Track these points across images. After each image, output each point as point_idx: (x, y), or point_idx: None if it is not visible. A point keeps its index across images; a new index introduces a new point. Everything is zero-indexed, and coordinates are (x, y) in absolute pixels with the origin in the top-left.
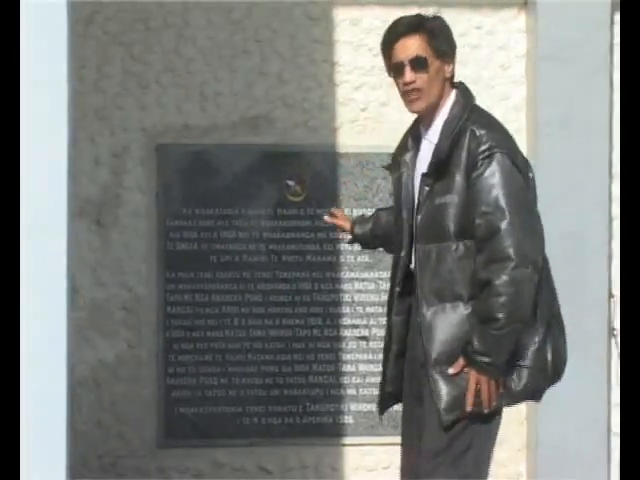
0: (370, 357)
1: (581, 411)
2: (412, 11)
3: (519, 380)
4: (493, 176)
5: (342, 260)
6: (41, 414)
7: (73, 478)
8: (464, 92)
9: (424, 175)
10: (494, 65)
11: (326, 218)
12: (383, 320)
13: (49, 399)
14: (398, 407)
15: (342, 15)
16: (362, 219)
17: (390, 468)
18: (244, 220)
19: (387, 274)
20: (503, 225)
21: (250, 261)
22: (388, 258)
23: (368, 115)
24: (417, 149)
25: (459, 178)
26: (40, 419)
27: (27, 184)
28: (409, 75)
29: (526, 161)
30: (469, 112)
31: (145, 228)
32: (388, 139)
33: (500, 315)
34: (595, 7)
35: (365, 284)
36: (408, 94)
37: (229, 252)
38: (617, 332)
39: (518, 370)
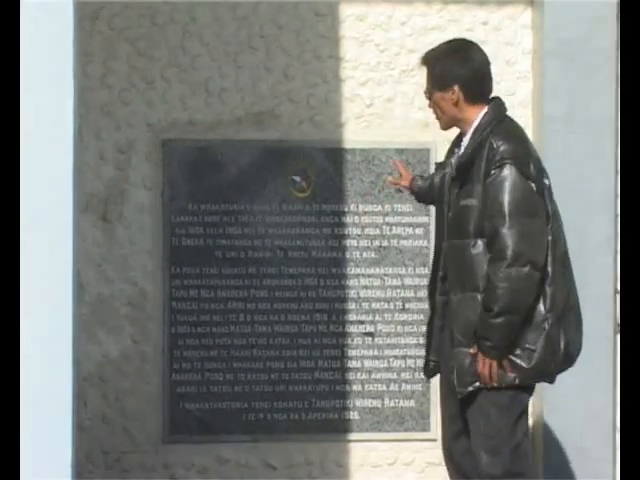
0: (376, 353)
1: (586, 406)
2: (417, 8)
3: (529, 361)
4: (501, 184)
5: (348, 256)
6: (46, 410)
7: (78, 473)
8: (495, 106)
9: (452, 179)
10: (500, 61)
11: (390, 179)
12: (389, 316)
13: (54, 395)
14: (404, 403)
15: (348, 11)
16: (421, 178)
17: (395, 464)
18: (250, 216)
19: (392, 270)
20: (503, 229)
21: (256, 257)
22: (393, 254)
23: (374, 111)
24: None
25: (478, 185)
26: (45, 415)
27: (32, 179)
28: (428, 102)
29: (541, 169)
30: (494, 125)
31: (150, 224)
32: (394, 135)
33: (494, 306)
34: (600, 3)
35: (371, 280)
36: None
37: (235, 248)
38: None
39: (528, 352)
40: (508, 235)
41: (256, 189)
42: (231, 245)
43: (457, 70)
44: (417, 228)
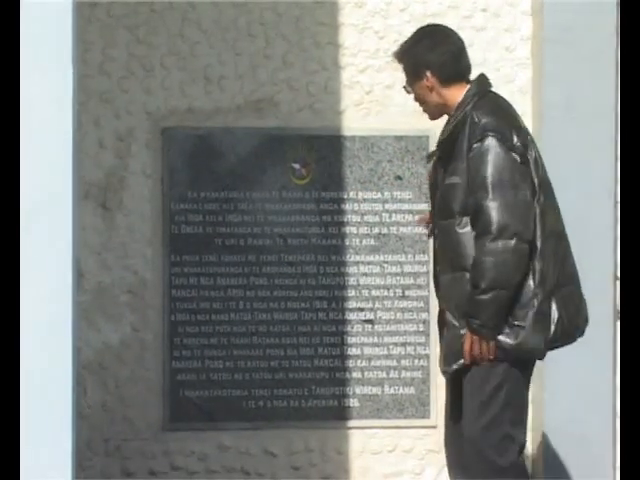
0: (375, 340)
1: (586, 394)
2: None
3: (515, 338)
4: (482, 157)
5: (347, 243)
6: (46, 398)
7: (78, 461)
8: (478, 83)
9: (438, 158)
10: (499, 47)
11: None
12: (388, 303)
13: (54, 383)
14: (404, 390)
15: None
16: None
17: (395, 451)
18: (249, 203)
19: (392, 257)
20: (486, 202)
21: (255, 244)
22: (393, 241)
23: (373, 98)
24: None
25: (461, 162)
26: (45, 402)
27: (32, 168)
28: (413, 96)
29: (526, 140)
30: (477, 100)
31: (150, 211)
32: (393, 122)
33: (481, 282)
34: None
35: (370, 267)
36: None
37: (234, 235)
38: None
39: (515, 330)
40: (492, 208)
41: (255, 176)
42: (231, 232)
43: (426, 56)
44: (417, 215)
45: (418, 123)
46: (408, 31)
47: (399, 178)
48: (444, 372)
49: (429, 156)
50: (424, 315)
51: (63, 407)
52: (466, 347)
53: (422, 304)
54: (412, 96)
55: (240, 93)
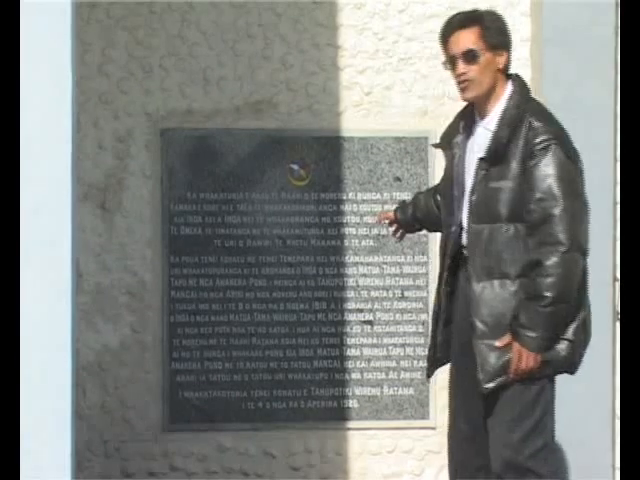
0: (375, 341)
1: (586, 395)
2: None
3: (560, 352)
4: (548, 166)
5: (346, 244)
6: (46, 399)
7: (77, 462)
8: (521, 83)
9: (481, 159)
10: None
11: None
12: (387, 304)
13: (54, 384)
14: (403, 391)
15: None
16: (403, 204)
17: (394, 452)
18: (248, 204)
19: (391, 258)
20: (556, 211)
21: (254, 245)
22: (392, 242)
23: (372, 99)
24: (469, 133)
25: (515, 166)
26: (45, 404)
27: (32, 168)
28: (461, 67)
29: (577, 152)
30: (526, 103)
31: (149, 213)
32: (392, 123)
33: (548, 294)
34: None
35: (370, 268)
36: (460, 84)
37: (233, 236)
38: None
39: (561, 343)
40: (563, 219)
41: (255, 178)
42: (230, 234)
43: (509, 35)
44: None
45: (417, 124)
46: (408, 32)
47: (398, 179)
48: (481, 390)
49: (443, 146)
50: (423, 316)
51: (62, 408)
52: (515, 360)
53: (421, 305)
54: (413, 95)
55: (239, 94)
